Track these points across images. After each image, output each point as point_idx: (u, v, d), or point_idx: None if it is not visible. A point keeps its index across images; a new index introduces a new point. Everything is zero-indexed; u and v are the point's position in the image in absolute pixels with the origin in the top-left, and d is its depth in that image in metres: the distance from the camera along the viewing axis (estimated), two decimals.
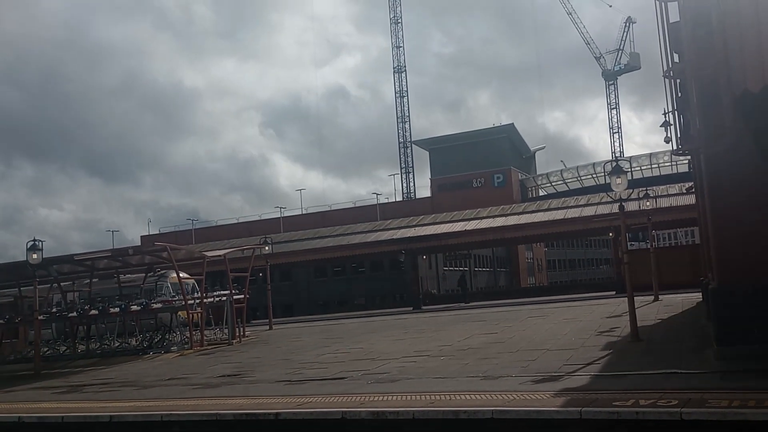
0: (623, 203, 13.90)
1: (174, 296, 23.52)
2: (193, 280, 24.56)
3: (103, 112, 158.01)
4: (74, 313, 20.12)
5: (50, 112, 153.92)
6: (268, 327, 26.32)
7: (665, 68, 12.54)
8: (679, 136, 16.18)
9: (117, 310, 19.95)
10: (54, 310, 20.87)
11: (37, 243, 16.55)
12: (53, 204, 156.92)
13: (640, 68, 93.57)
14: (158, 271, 27.50)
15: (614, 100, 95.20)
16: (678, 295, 21.93)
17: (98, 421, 9.91)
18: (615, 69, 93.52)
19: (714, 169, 10.24)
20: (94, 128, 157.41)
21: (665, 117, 21.95)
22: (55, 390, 13.83)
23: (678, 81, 14.03)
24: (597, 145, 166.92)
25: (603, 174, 68.98)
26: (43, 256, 17.07)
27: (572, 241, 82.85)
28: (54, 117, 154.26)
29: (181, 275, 21.52)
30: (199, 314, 20.70)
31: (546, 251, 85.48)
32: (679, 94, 14.87)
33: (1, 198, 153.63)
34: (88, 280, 23.70)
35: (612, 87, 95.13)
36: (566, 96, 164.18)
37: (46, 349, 21.07)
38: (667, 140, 22.92)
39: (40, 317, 18.61)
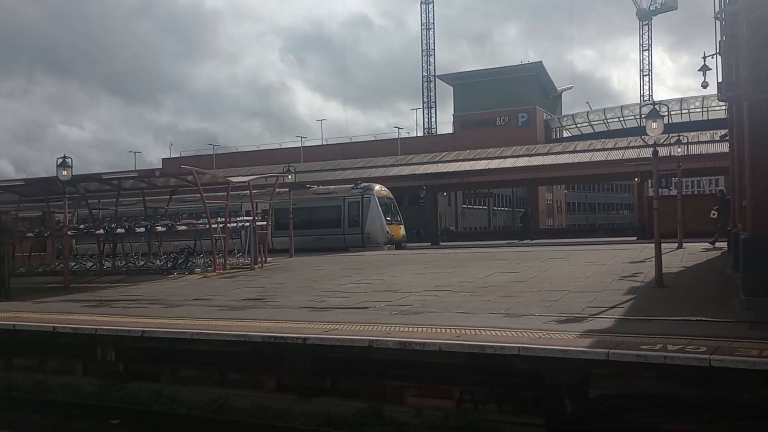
0: (656, 148, 13.64)
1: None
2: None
3: (123, 32, 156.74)
4: (101, 231, 20.45)
5: (72, 30, 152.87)
6: (288, 255, 26.64)
7: (717, 9, 12.02)
8: (720, 81, 15.71)
9: (142, 229, 20.23)
10: (81, 226, 21.21)
11: (67, 160, 16.69)
12: (74, 122, 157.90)
13: (676, 8, 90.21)
14: (360, 184, 29.74)
15: (647, 41, 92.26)
16: (701, 243, 21.76)
17: (130, 335, 10.21)
18: (650, 8, 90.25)
19: (758, 117, 9.94)
20: (114, 48, 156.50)
21: (704, 60, 21.36)
22: (85, 303, 14.23)
23: (725, 24, 13.51)
24: (626, 86, 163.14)
25: (631, 117, 68.03)
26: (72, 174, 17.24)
27: (593, 184, 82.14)
28: (75, 35, 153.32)
29: None
30: (224, 238, 20.97)
31: (566, 194, 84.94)
32: (724, 38, 14.36)
33: (23, 113, 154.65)
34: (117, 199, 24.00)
35: (646, 27, 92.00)
36: (597, 34, 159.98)
37: (73, 264, 21.55)
38: (705, 85, 22.35)
39: (69, 233, 18.94)
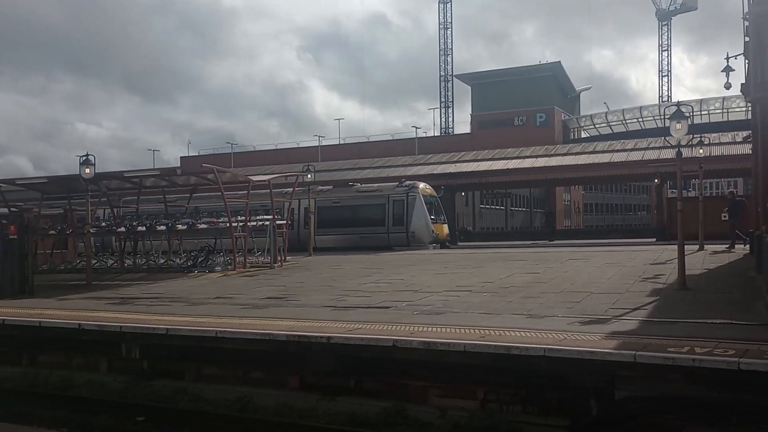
0: (680, 149, 13.55)
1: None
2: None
3: (141, 29, 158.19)
4: (122, 228, 20.64)
5: (90, 27, 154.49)
6: (307, 253, 26.73)
7: (744, 10, 11.90)
8: (744, 82, 15.56)
9: (163, 227, 20.39)
10: (103, 224, 21.42)
11: (89, 157, 16.87)
12: (92, 120, 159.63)
13: (696, 9, 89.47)
14: (404, 182, 29.99)
15: (666, 42, 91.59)
16: (722, 245, 21.56)
17: (155, 332, 10.31)
18: (670, 9, 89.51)
19: None
20: (132, 46, 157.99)
21: (727, 61, 21.16)
22: (108, 301, 14.38)
23: (751, 25, 13.37)
24: (644, 86, 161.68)
25: (650, 118, 67.47)
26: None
27: (611, 185, 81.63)
28: (94, 33, 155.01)
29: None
30: (243, 237, 21.08)
31: (584, 194, 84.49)
32: (749, 39, 14.21)
33: (42, 111, 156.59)
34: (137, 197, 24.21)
35: (665, 27, 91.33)
36: (616, 34, 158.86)
37: (94, 262, 21.77)
38: (728, 86, 22.15)
39: (91, 230, 19.14)
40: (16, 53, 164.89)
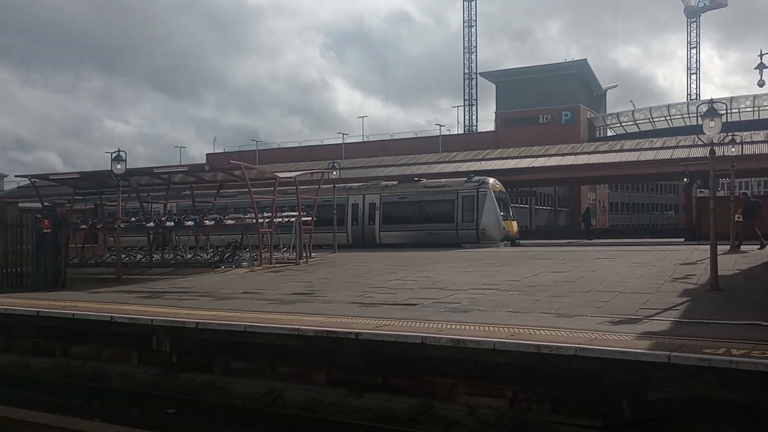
0: (713, 147, 13.32)
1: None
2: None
3: (167, 27, 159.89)
4: (151, 224, 20.89)
5: (117, 25, 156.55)
6: (332, 250, 26.81)
7: None
8: None
9: (191, 223, 20.60)
10: (133, 219, 21.71)
11: (121, 154, 17.11)
12: (119, 116, 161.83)
13: (726, 5, 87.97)
14: (473, 177, 29.82)
15: (695, 39, 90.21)
16: (753, 245, 21.18)
17: (185, 326, 10.42)
18: (699, 5, 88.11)
19: None
20: (158, 44, 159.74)
21: (761, 58, 20.81)
22: (138, 294, 14.58)
23: None
24: (672, 84, 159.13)
25: (678, 116, 66.53)
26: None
27: (637, 184, 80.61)
28: (121, 31, 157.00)
29: None
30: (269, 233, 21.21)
31: (609, 193, 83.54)
32: None
33: (71, 108, 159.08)
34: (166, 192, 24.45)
35: (694, 24, 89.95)
36: (643, 31, 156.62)
37: (123, 256, 22.06)
38: (761, 83, 21.81)
39: (121, 225, 19.40)
40: (47, 52, 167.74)
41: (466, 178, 30.66)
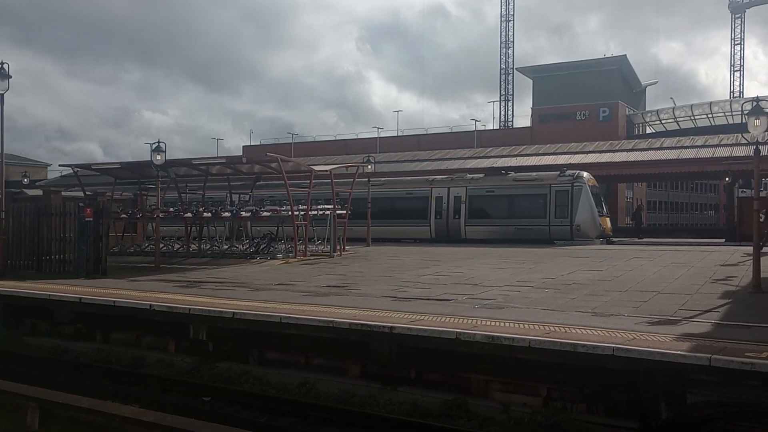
0: (758, 146, 13.00)
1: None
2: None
3: (206, 21, 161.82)
4: (189, 214, 21.22)
5: (157, 19, 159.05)
6: (366, 244, 26.89)
7: None
8: None
9: (228, 214, 20.87)
10: (171, 209, 22.07)
11: (161, 145, 17.40)
12: (157, 108, 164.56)
13: None
14: (566, 171, 29.04)
15: (739, 35, 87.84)
16: None
17: (222, 316, 10.58)
18: (744, 0, 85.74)
19: None
20: (197, 37, 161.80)
21: None
22: (175, 283, 14.83)
23: None
24: (714, 81, 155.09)
25: (720, 114, 64.90)
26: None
27: (676, 183, 78.99)
28: (161, 24, 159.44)
29: None
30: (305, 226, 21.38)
31: (647, 191, 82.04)
32: None
33: (112, 99, 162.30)
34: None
35: (738, 20, 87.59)
36: (685, 26, 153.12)
37: (161, 246, 22.47)
38: None
39: (160, 215, 19.75)
40: (90, 44, 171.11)
41: (558, 172, 29.41)
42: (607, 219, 29.99)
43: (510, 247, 25.08)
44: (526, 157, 41.36)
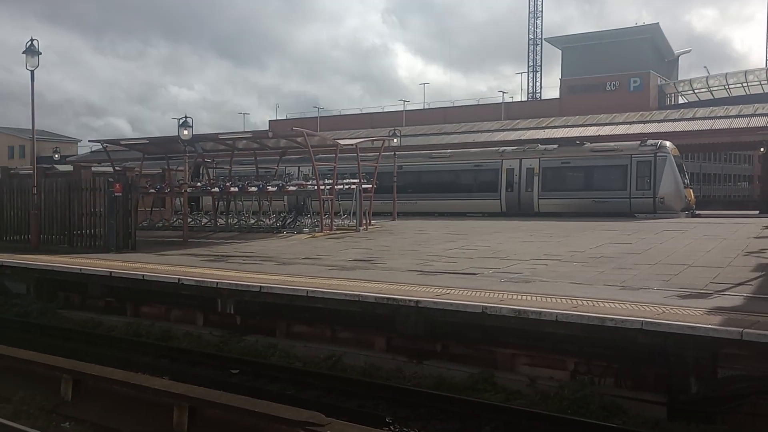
0: None
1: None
2: None
3: None
4: (216, 189, 21.38)
5: None
6: (392, 218, 26.87)
7: None
8: None
9: (254, 189, 20.97)
10: (198, 184, 22.26)
11: (188, 120, 17.47)
12: (184, 83, 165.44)
13: None
14: (647, 141, 27.94)
15: None
16: None
17: (249, 290, 10.67)
18: None
19: None
20: (222, 9, 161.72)
21: None
22: (203, 258, 15.00)
23: None
24: (750, 49, 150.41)
25: (756, 83, 63.11)
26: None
27: (709, 153, 77.27)
28: None
29: None
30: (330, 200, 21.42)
31: None
32: None
33: (139, 75, 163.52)
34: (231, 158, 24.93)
35: None
36: None
37: (189, 220, 22.72)
38: None
39: (187, 189, 19.93)
40: (117, 20, 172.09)
41: (639, 142, 28.26)
42: (691, 191, 28.63)
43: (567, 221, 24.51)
44: (554, 129, 40.87)
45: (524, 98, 76.38)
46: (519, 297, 9.01)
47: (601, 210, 26.87)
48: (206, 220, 23.72)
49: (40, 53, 17.03)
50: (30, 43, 16.85)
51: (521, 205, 29.09)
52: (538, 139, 37.93)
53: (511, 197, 29.36)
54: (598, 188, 27.70)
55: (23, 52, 17.01)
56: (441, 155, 30.01)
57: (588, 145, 29.93)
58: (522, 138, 40.34)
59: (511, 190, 29.35)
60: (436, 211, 29.21)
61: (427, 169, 29.70)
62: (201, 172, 25.76)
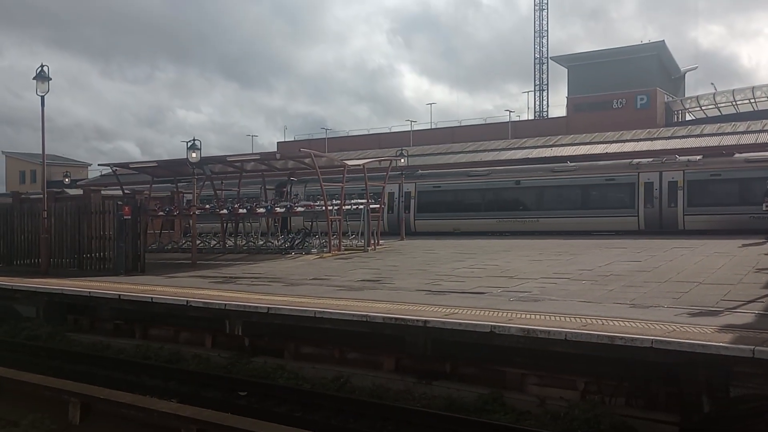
0: None
1: None
2: None
3: (236, 17, 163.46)
4: (224, 210, 21.45)
5: (189, 17, 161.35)
6: (400, 238, 26.86)
7: None
8: None
9: (263, 210, 21.04)
10: (207, 206, 22.33)
11: (196, 142, 17.60)
12: (191, 106, 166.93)
13: None
14: None
15: None
16: None
17: (257, 311, 10.66)
18: None
19: None
20: (228, 31, 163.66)
21: None
22: (212, 279, 15.01)
23: None
24: (757, 64, 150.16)
25: (764, 99, 62.99)
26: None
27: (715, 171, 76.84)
28: (193, 22, 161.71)
29: None
30: (338, 220, 21.45)
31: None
32: None
33: (147, 98, 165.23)
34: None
35: None
36: (727, 7, 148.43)
37: (198, 242, 22.78)
38: None
39: (196, 212, 20.00)
40: (124, 44, 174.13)
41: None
42: None
43: (576, 239, 23.79)
44: (561, 147, 40.86)
45: (531, 117, 76.56)
46: (528, 316, 8.96)
47: (761, 226, 23.63)
48: (215, 242, 23.78)
49: (50, 79, 17.25)
50: (40, 68, 17.07)
51: (663, 222, 26.57)
52: (545, 157, 37.92)
53: (650, 213, 26.85)
54: (757, 203, 23.78)
55: (33, 78, 17.22)
56: (564, 168, 27.95)
57: (741, 155, 27.23)
58: (530, 156, 40.39)
59: (651, 205, 26.87)
60: (549, 229, 27.48)
61: (551, 184, 28.12)
62: (287, 190, 25.39)
